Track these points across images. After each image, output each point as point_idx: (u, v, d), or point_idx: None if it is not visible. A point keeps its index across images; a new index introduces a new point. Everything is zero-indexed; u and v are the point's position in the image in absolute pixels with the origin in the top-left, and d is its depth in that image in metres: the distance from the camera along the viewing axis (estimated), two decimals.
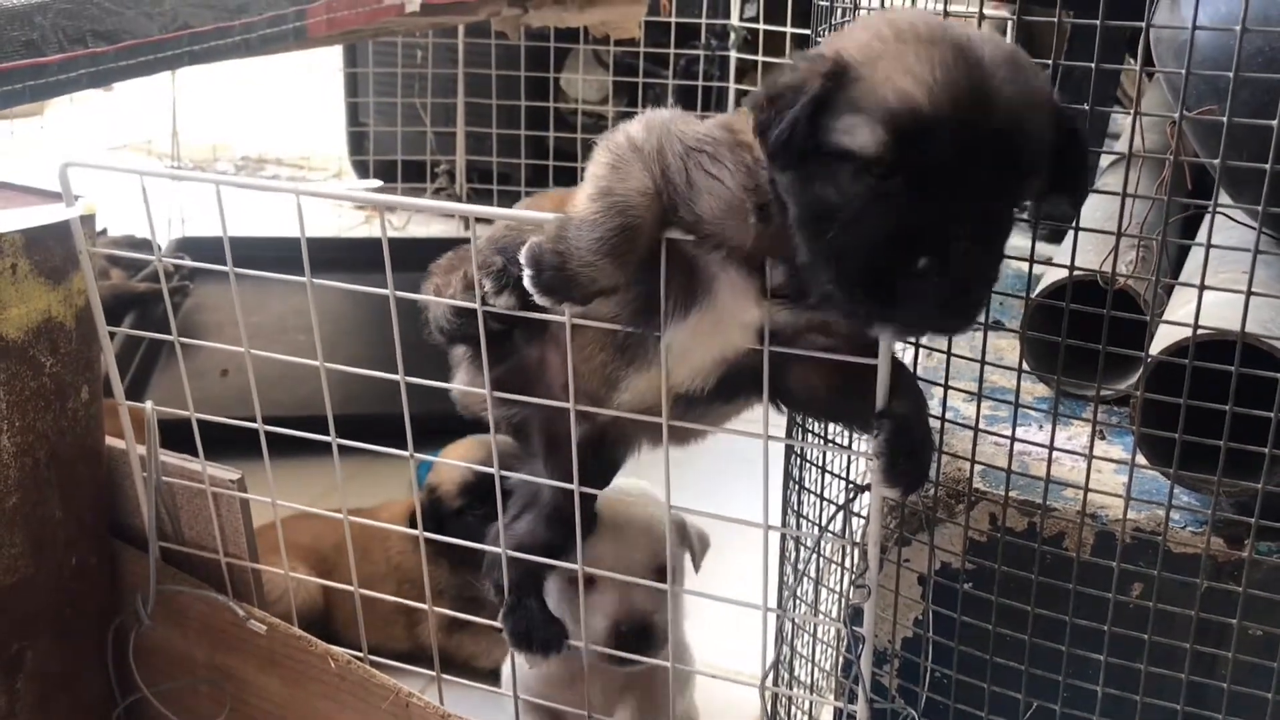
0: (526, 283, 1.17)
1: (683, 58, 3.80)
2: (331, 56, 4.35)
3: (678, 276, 1.22)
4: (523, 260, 1.17)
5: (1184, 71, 1.14)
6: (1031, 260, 1.31)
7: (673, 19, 3.65)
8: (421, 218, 4.17)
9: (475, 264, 1.31)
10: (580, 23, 3.15)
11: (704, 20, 3.71)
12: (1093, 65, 1.16)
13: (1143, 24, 1.18)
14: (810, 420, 1.55)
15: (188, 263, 1.72)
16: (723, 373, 1.29)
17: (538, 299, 1.18)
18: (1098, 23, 1.13)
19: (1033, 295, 1.46)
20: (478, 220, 1.33)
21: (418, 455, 1.45)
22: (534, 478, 1.47)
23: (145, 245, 3.40)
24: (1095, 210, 1.66)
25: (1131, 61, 2.15)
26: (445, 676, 1.60)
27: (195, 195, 3.64)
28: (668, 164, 1.17)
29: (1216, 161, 1.12)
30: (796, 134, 1.04)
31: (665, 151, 1.17)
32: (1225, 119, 1.09)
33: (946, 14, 1.31)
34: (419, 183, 4.09)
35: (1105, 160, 1.90)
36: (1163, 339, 1.29)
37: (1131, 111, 1.31)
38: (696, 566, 1.70)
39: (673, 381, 1.29)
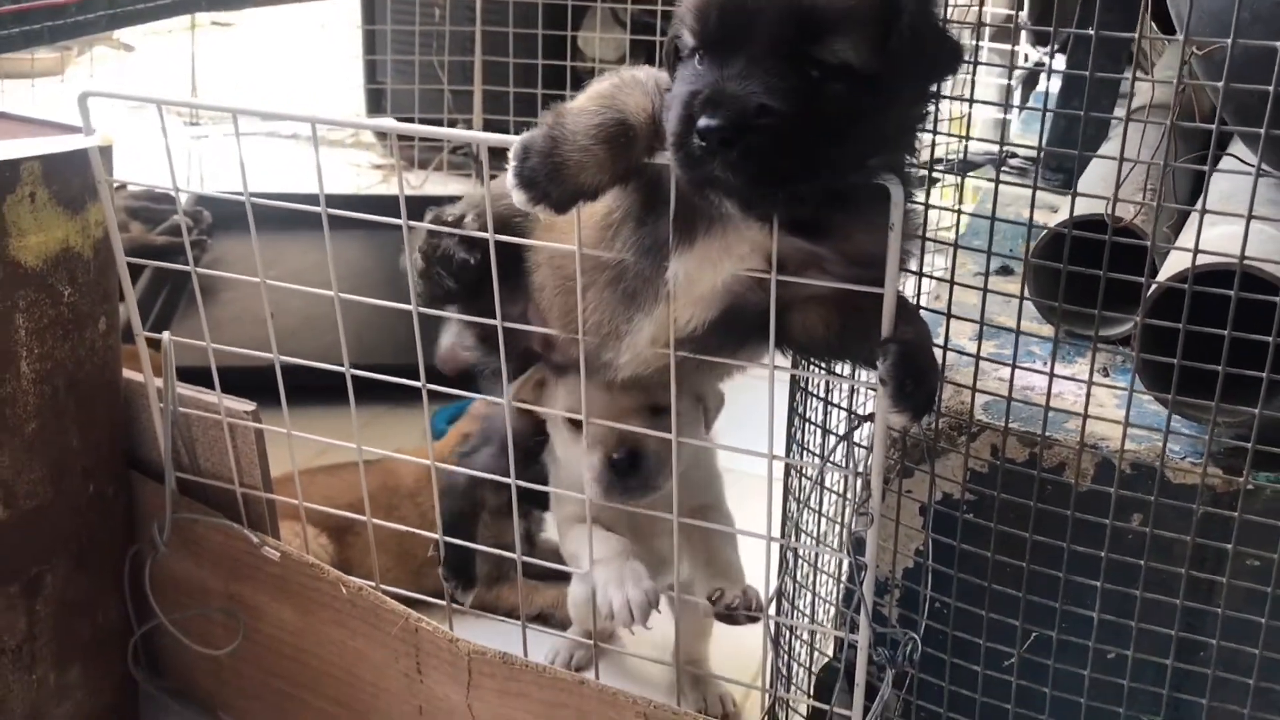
0: (510, 177, 1.19)
1: None
2: (349, 13, 4.36)
3: (682, 206, 1.24)
4: (511, 153, 1.20)
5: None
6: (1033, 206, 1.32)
7: None
8: (438, 177, 4.18)
9: (487, 194, 1.34)
10: None
11: None
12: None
13: None
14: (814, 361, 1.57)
15: (207, 196, 1.74)
16: (725, 307, 1.31)
17: (515, 196, 1.20)
18: None
19: (1040, 236, 1.47)
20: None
21: (430, 386, 1.47)
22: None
23: (164, 200, 3.43)
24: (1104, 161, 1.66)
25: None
26: (455, 606, 1.63)
27: (213, 153, 3.67)
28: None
29: (1219, 85, 1.12)
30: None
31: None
32: (1229, 41, 1.09)
33: None
34: (436, 140, 4.10)
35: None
36: (1166, 270, 1.30)
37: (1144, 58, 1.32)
38: (708, 424, 1.70)
39: (677, 319, 1.31)
